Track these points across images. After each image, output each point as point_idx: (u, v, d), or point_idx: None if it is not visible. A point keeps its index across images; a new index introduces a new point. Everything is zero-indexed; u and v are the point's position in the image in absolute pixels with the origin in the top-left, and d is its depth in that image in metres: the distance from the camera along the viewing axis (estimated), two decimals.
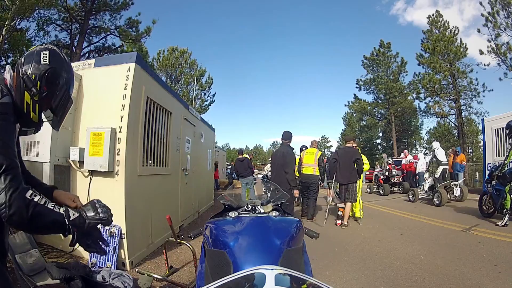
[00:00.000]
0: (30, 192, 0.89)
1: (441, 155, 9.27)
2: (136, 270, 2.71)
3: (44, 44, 1.11)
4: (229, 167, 20.32)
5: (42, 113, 1.12)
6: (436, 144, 9.64)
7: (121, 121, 3.23)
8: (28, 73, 1.02)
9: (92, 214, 1.01)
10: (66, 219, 0.94)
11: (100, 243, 1.09)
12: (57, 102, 1.11)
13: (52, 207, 0.92)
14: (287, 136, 5.22)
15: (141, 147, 3.60)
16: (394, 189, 11.08)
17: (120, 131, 3.22)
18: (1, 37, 10.61)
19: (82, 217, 0.98)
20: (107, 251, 3.06)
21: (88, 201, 1.07)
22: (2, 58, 12.61)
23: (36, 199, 0.89)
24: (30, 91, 1.01)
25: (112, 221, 1.06)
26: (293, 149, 5.23)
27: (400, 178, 11.22)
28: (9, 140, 0.91)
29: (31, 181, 1.18)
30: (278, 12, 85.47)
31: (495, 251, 3.61)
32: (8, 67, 1.06)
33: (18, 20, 11.23)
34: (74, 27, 14.84)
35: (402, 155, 12.41)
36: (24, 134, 1.14)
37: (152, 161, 3.98)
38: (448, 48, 18.24)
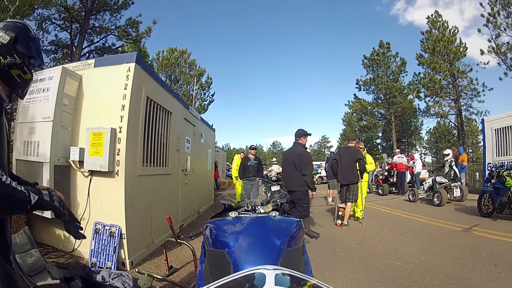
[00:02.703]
0: None
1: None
2: (136, 270, 2.71)
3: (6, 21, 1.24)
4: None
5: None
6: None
7: (121, 121, 3.23)
8: (1, 59, 1.13)
9: (48, 199, 1.09)
10: (27, 199, 1.00)
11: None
12: (35, 49, 1.28)
13: (16, 186, 0.97)
14: (300, 133, 4.68)
15: (141, 147, 3.60)
16: (393, 189, 11.17)
17: (120, 131, 3.22)
18: None
19: (41, 199, 1.06)
20: (108, 251, 3.06)
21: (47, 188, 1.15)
22: None
23: (3, 178, 0.93)
24: (14, 65, 1.14)
25: (65, 215, 1.16)
26: (307, 148, 4.80)
27: (395, 178, 11.26)
28: None
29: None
30: (278, 12, 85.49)
31: (495, 251, 3.61)
32: None
33: (18, 19, 11.23)
34: (74, 27, 14.83)
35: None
36: (25, 93, 1.27)
37: (152, 161, 3.98)
38: (448, 48, 18.23)
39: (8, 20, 1.25)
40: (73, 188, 3.37)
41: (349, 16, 72.34)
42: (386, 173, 11.40)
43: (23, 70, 1.19)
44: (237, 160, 8.86)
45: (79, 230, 1.24)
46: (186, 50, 21.49)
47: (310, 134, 4.72)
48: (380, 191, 10.99)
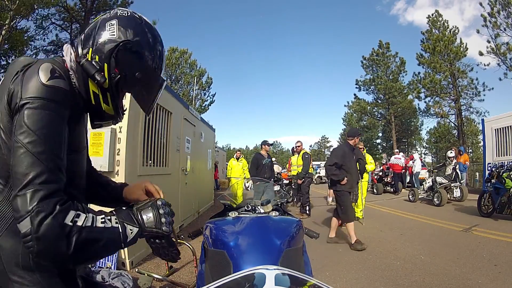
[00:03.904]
0: (72, 214, 0.62)
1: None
2: (136, 270, 2.71)
3: (111, 10, 0.83)
4: None
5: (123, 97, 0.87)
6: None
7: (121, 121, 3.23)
8: (88, 56, 0.77)
9: (152, 223, 0.75)
10: (122, 238, 0.69)
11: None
12: (141, 86, 0.84)
13: (103, 224, 0.67)
14: (351, 133, 4.50)
15: (141, 147, 3.60)
16: (387, 188, 11.44)
17: (120, 131, 3.22)
18: (1, 37, 10.61)
19: (140, 229, 0.73)
20: None
21: (149, 200, 0.81)
22: (3, 58, 12.63)
23: (80, 221, 0.62)
24: (94, 79, 0.76)
25: (171, 244, 0.84)
26: (354, 149, 4.44)
27: (389, 178, 11.41)
28: (50, 137, 0.65)
29: (94, 181, 0.98)
30: (278, 12, 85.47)
31: (495, 251, 3.61)
32: (66, 47, 0.79)
33: (18, 19, 11.24)
34: (74, 27, 14.86)
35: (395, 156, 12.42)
36: (99, 127, 0.91)
37: (152, 161, 3.98)
38: (448, 48, 18.24)
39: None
40: None
41: (349, 16, 72.36)
42: (380, 173, 11.72)
43: (103, 93, 0.80)
44: (231, 164, 8.26)
45: (175, 250, 0.89)
46: (187, 50, 21.49)
47: (360, 134, 4.66)
48: (374, 190, 11.28)
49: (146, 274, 2.53)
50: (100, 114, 0.84)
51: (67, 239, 0.60)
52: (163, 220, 0.76)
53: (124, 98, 0.91)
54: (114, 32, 0.77)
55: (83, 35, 0.80)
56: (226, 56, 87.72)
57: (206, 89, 21.80)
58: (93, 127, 0.92)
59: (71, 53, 0.77)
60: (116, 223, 0.69)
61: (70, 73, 0.75)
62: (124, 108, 0.91)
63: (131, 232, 0.71)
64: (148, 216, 0.75)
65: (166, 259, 0.92)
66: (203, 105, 21.40)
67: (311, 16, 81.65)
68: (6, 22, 10.41)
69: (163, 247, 0.85)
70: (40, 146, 0.63)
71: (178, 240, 2.83)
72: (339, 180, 4.11)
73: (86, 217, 0.64)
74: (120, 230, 0.69)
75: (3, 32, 10.65)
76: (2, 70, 12.62)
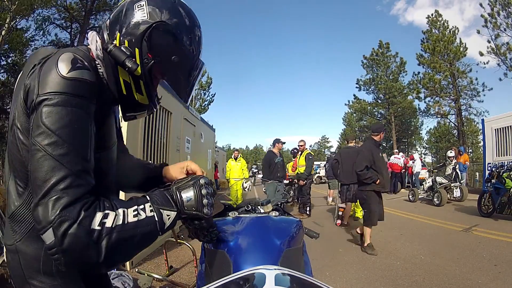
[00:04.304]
0: (99, 216, 0.55)
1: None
2: (136, 270, 2.70)
3: None
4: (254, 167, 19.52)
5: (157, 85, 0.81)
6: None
7: (121, 121, 3.24)
8: (116, 42, 0.69)
9: (193, 204, 0.67)
10: (159, 228, 0.62)
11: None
12: (177, 72, 0.76)
13: (135, 218, 0.59)
14: (376, 128, 4.24)
15: (141, 147, 3.60)
16: None
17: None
18: (1, 37, 10.61)
19: (179, 212, 0.66)
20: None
21: (191, 178, 0.71)
22: (3, 58, 12.62)
23: (108, 222, 0.55)
24: (125, 66, 0.68)
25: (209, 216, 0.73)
26: (380, 144, 4.22)
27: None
28: (74, 136, 0.57)
29: (133, 166, 0.92)
30: (278, 12, 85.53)
31: (495, 251, 3.61)
32: (91, 34, 0.72)
33: (18, 19, 11.24)
34: (74, 26, 14.86)
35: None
36: (132, 119, 0.83)
37: (152, 161, 3.98)
38: (448, 48, 18.25)
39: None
40: None
41: (350, 16, 72.41)
42: None
43: (136, 81, 0.72)
44: (230, 165, 8.01)
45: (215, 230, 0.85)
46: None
47: (385, 129, 4.38)
48: None
49: (146, 274, 2.53)
50: (133, 105, 0.76)
51: (96, 246, 0.53)
52: (204, 201, 0.68)
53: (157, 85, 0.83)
54: (144, 13, 0.69)
55: (109, 20, 0.73)
56: (226, 55, 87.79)
57: (206, 89, 21.81)
58: (126, 119, 0.84)
59: (96, 41, 0.70)
60: (151, 211, 0.61)
61: (97, 62, 0.67)
62: (159, 96, 0.84)
63: (169, 218, 0.64)
64: (188, 196, 0.67)
65: (204, 240, 0.86)
66: (203, 105, 21.41)
67: (311, 16, 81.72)
68: (6, 22, 10.41)
69: (202, 227, 0.78)
70: (62, 147, 0.55)
71: (178, 240, 2.83)
72: (367, 179, 3.85)
73: (116, 215, 0.57)
74: (156, 219, 0.61)
75: (3, 32, 10.65)
76: (2, 70, 12.63)
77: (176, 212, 0.65)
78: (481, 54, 15.51)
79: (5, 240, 0.73)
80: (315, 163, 21.40)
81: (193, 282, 2.73)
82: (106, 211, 0.56)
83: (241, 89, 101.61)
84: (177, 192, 0.67)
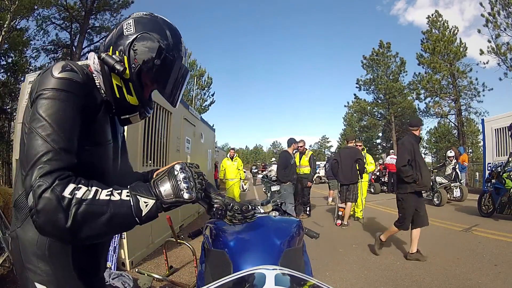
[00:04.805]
0: (71, 186, 0.62)
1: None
2: (136, 270, 2.71)
3: (130, 15, 0.88)
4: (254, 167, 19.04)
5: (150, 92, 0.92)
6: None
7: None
8: (109, 53, 0.82)
9: (171, 192, 0.70)
10: (134, 212, 0.66)
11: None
12: (160, 75, 0.85)
13: (107, 197, 0.64)
14: (415, 122, 3.87)
15: (141, 147, 3.60)
16: (384, 187, 11.82)
17: None
18: (1, 37, 10.61)
19: (158, 201, 0.69)
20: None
21: (164, 169, 0.76)
22: (3, 58, 12.62)
23: (79, 194, 0.62)
24: (114, 69, 0.79)
25: (196, 196, 0.73)
26: (420, 139, 3.81)
27: (386, 178, 11.78)
28: (59, 122, 0.68)
29: (135, 179, 0.95)
30: (278, 12, 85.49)
31: (495, 251, 3.61)
32: (91, 54, 0.86)
33: (18, 19, 11.24)
34: (74, 26, 14.84)
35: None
36: (128, 123, 0.93)
37: (152, 161, 3.98)
38: (448, 48, 18.24)
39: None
40: None
41: (350, 16, 72.42)
42: (378, 173, 12.08)
43: (126, 83, 0.83)
44: (225, 165, 7.35)
45: (246, 214, 0.91)
46: (187, 50, 21.52)
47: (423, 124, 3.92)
48: (372, 190, 11.45)
49: (146, 274, 2.53)
50: (126, 108, 0.87)
51: (65, 212, 0.60)
52: (182, 186, 0.70)
53: (151, 92, 0.95)
54: (131, 28, 0.83)
55: (105, 41, 0.87)
56: (226, 55, 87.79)
57: (206, 89, 21.81)
58: (121, 124, 0.94)
59: (94, 57, 0.83)
60: (127, 196, 0.66)
61: (94, 75, 0.83)
62: (151, 102, 0.94)
63: (146, 205, 0.67)
64: (165, 186, 0.70)
65: (234, 222, 0.92)
66: (203, 105, 21.40)
67: (311, 16, 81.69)
68: (6, 22, 10.41)
69: (220, 214, 0.86)
70: (49, 129, 0.67)
71: (178, 240, 2.84)
72: (408, 178, 3.43)
73: (88, 190, 0.63)
74: (132, 204, 0.66)
75: (3, 32, 10.65)
76: (2, 70, 12.62)
77: (154, 200, 0.68)
78: (482, 52, 15.50)
79: (10, 230, 0.83)
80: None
81: (193, 282, 2.73)
82: (80, 186, 0.63)
83: (240, 89, 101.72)
84: (155, 184, 0.71)
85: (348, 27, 76.33)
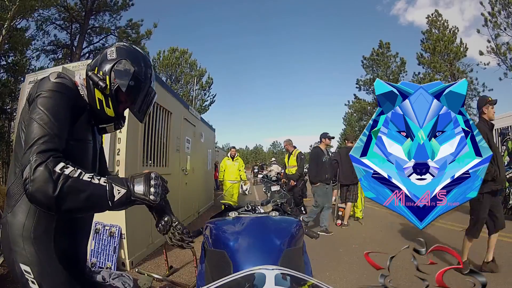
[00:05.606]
0: (61, 164, 0.78)
1: None
2: (136, 270, 2.71)
3: (113, 44, 1.11)
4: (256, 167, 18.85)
5: (124, 108, 1.11)
6: None
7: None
8: (94, 70, 1.02)
9: (141, 190, 0.87)
10: (108, 196, 0.81)
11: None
12: (133, 93, 1.04)
13: (89, 179, 0.79)
14: (483, 102, 3.21)
15: (141, 147, 3.60)
16: None
17: (120, 131, 3.22)
18: (1, 37, 10.60)
19: (129, 192, 0.85)
20: (109, 251, 3.05)
21: (143, 173, 0.92)
22: (3, 58, 12.61)
23: (67, 171, 0.77)
24: (98, 85, 0.98)
25: (158, 201, 0.90)
26: (493, 127, 3.06)
27: None
28: (54, 114, 0.86)
29: None
30: (278, 12, 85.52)
31: (495, 251, 3.60)
32: (77, 72, 1.09)
33: (18, 20, 11.23)
34: (74, 27, 14.82)
35: None
36: (104, 132, 1.15)
37: (152, 161, 3.98)
38: (448, 48, 18.24)
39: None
40: None
41: (350, 16, 72.42)
42: None
43: (106, 98, 1.02)
44: (225, 165, 6.86)
45: (185, 236, 1.03)
46: (187, 50, 21.47)
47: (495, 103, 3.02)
48: None
49: (146, 274, 2.53)
50: (103, 118, 1.06)
51: (54, 183, 0.74)
52: (152, 190, 0.88)
53: (125, 109, 1.13)
54: (114, 54, 1.03)
55: (91, 62, 1.08)
56: (226, 56, 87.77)
57: (207, 89, 21.79)
58: (99, 132, 1.14)
59: (80, 75, 1.05)
60: (105, 182, 0.82)
61: (79, 88, 1.02)
62: (124, 116, 1.14)
63: (119, 193, 0.83)
64: (138, 184, 0.88)
65: (172, 243, 1.02)
66: (203, 105, 21.38)
67: (311, 16, 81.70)
68: (7, 23, 10.40)
69: (164, 229, 0.99)
70: (46, 119, 0.84)
71: None
72: (486, 175, 2.62)
73: (74, 170, 0.79)
74: (107, 188, 0.82)
75: (3, 32, 10.64)
76: (2, 70, 12.62)
77: (125, 190, 0.84)
78: (481, 53, 15.49)
79: (2, 217, 0.96)
80: None
81: (193, 282, 2.72)
82: (68, 166, 0.79)
83: (240, 89, 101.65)
84: (131, 179, 0.89)
85: (348, 27, 76.39)
